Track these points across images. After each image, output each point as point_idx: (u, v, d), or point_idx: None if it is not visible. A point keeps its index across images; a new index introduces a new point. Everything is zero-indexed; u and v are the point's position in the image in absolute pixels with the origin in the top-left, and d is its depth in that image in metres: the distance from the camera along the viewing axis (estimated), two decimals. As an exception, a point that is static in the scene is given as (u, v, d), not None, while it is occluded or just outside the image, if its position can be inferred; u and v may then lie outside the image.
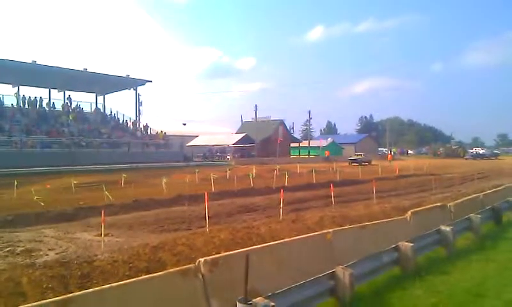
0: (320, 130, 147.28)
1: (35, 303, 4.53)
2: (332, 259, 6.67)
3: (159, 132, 56.28)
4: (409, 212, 10.09)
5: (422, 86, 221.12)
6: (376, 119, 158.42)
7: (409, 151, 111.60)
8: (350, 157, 60.08)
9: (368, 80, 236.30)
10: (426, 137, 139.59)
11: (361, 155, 58.55)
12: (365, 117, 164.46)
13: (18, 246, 9.49)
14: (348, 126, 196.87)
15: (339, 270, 5.84)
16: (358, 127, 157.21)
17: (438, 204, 12.21)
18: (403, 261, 7.30)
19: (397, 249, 7.32)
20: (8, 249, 9.22)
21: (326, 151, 75.58)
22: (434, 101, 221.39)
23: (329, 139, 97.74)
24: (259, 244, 7.44)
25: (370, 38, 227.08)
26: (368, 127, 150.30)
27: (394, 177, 29.99)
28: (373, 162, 53.68)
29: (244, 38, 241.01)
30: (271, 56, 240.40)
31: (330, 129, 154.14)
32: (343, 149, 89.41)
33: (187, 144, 64.95)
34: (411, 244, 7.35)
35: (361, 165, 46.77)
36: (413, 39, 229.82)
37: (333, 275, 5.84)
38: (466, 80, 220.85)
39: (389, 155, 62.55)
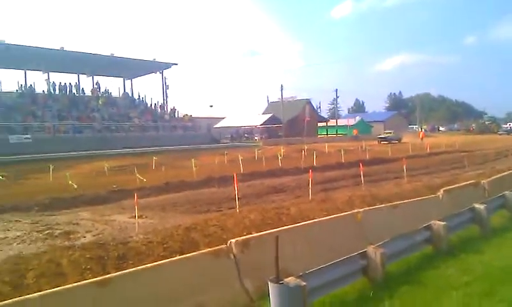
0: (348, 109, 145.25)
1: (75, 283, 4.74)
2: (363, 239, 6.67)
3: (185, 115, 56.82)
4: (441, 190, 9.94)
5: (454, 60, 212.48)
6: (406, 96, 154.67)
7: (441, 128, 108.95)
8: (379, 135, 59.14)
9: (397, 56, 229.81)
10: (458, 113, 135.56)
11: (390, 132, 57.49)
12: (394, 94, 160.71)
13: (57, 229, 9.83)
14: (377, 104, 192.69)
15: (370, 249, 5.83)
16: (387, 105, 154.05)
17: (472, 181, 11.97)
18: (435, 240, 7.21)
19: (429, 227, 7.23)
20: (47, 231, 9.57)
21: (354, 130, 74.79)
22: (466, 76, 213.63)
23: (357, 117, 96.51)
24: (289, 225, 7.49)
25: (400, 12, 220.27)
26: (398, 104, 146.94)
27: (425, 155, 29.49)
28: (403, 140, 52.73)
29: (269, 16, 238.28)
30: (297, 34, 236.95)
31: (358, 107, 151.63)
32: (372, 128, 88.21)
33: (215, 126, 65.37)
34: (444, 223, 7.24)
35: (390, 143, 46.09)
36: (444, 12, 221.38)
37: (364, 255, 5.83)
38: (500, 53, 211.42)
39: (421, 133, 61.16)
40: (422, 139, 52.94)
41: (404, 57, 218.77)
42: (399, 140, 53.27)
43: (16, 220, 10.78)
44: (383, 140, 52.04)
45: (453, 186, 11.22)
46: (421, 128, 79.69)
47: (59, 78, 51.72)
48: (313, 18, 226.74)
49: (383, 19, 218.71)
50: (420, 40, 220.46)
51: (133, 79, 59.30)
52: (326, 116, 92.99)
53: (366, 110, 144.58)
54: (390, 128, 71.81)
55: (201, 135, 53.02)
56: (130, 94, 58.24)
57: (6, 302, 4.12)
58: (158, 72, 57.02)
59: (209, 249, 5.85)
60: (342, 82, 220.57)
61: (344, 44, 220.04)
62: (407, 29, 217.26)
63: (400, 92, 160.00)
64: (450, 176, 17.66)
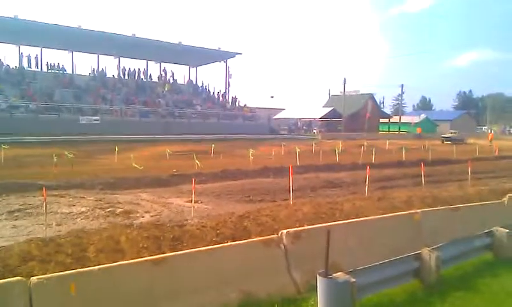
0: (414, 106, 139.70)
1: (132, 260, 5.01)
2: (419, 240, 6.48)
3: (245, 105, 57.41)
4: (507, 196, 9.40)
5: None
6: (477, 95, 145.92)
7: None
8: (443, 134, 56.54)
9: (471, 53, 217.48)
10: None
11: (455, 132, 54.78)
12: (464, 92, 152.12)
13: (118, 207, 10.37)
14: (445, 102, 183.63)
15: (425, 252, 5.66)
16: (456, 103, 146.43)
17: (542, 189, 11.21)
18: (497, 247, 6.86)
19: (490, 234, 6.89)
20: (109, 209, 10.13)
21: (418, 128, 71.87)
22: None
23: (422, 115, 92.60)
24: (342, 220, 7.42)
25: (475, 8, 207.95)
26: (467, 104, 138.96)
27: (493, 158, 27.84)
28: (469, 141, 50.05)
29: (335, 7, 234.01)
30: (365, 26, 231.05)
31: (425, 104, 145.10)
32: (437, 127, 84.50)
33: (274, 117, 65.45)
34: (507, 230, 6.87)
35: (455, 143, 43.95)
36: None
37: (418, 257, 5.67)
38: None
39: (490, 134, 57.72)
40: (490, 141, 50.01)
41: (477, 54, 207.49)
42: (463, 140, 50.60)
43: (81, 197, 11.48)
44: (447, 140, 49.68)
45: (521, 192, 10.55)
46: (490, 130, 75.09)
47: (129, 63, 54.02)
48: (383, 12, 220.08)
49: (460, 13, 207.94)
50: (497, 36, 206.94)
51: (198, 67, 60.65)
52: (389, 112, 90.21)
53: (433, 108, 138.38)
54: (457, 128, 68.31)
55: (260, 125, 53.28)
56: (194, 82, 59.67)
57: (70, 271, 4.45)
58: (222, 61, 57.90)
59: (260, 238, 5.95)
60: (409, 78, 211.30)
61: (415, 38, 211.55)
62: (484, 25, 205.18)
63: (470, 91, 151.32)
64: (519, 181, 16.59)
